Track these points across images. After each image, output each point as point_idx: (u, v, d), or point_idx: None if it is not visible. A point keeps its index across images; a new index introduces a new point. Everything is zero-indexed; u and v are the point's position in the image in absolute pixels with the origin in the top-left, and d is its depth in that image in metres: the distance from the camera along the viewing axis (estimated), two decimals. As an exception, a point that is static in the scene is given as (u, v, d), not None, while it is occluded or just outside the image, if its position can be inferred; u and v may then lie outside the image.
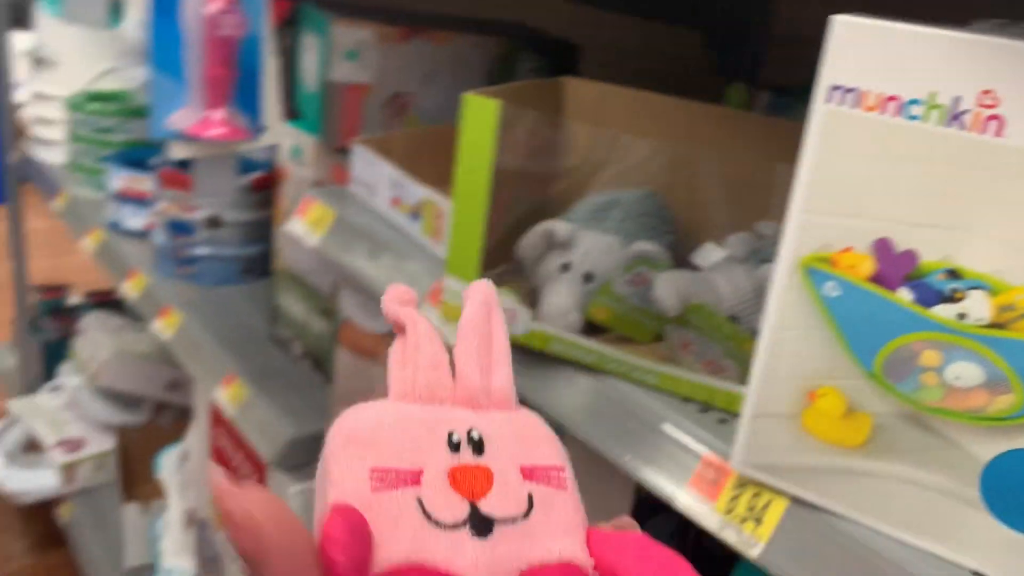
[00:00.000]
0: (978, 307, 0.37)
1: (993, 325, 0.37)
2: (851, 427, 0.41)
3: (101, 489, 1.66)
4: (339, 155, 0.92)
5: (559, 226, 0.55)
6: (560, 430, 0.48)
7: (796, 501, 0.44)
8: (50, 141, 1.52)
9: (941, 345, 0.38)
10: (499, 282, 0.56)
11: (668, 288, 0.50)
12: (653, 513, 0.64)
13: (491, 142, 0.52)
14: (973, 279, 0.37)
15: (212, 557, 1.12)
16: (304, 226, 0.77)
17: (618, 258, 0.54)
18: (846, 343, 0.40)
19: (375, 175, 0.75)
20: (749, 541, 0.44)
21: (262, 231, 1.20)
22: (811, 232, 0.40)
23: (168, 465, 1.34)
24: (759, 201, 0.52)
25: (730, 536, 0.45)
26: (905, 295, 0.39)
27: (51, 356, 1.88)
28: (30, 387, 1.85)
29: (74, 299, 2.06)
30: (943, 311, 0.38)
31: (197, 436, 1.21)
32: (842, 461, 0.42)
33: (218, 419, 1.03)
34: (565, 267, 0.55)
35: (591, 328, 0.55)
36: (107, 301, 2.04)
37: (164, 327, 1.09)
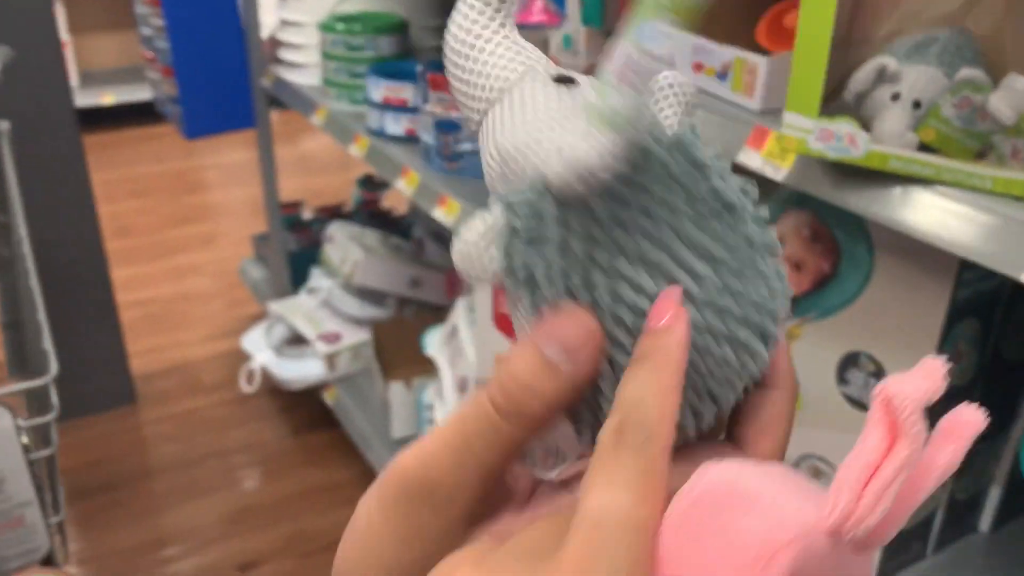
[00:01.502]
0: None
1: None
2: None
3: (358, 375, 1.88)
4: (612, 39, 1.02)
5: (889, 60, 0.63)
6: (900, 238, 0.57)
7: None
8: (301, 64, 1.70)
9: None
10: (833, 113, 0.65)
11: (1004, 100, 0.58)
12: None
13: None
14: None
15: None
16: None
17: (942, 86, 0.63)
18: None
19: (672, 46, 0.85)
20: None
21: (517, 125, 1.33)
22: None
23: (434, 343, 1.52)
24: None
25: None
26: None
27: (293, 265, 2.11)
28: (281, 293, 2.08)
29: (307, 214, 2.28)
30: None
31: (471, 312, 1.37)
32: None
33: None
34: (895, 96, 0.64)
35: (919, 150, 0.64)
36: (338, 214, 2.26)
37: (446, 213, 1.24)
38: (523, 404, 0.26)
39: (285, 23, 1.71)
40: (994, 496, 0.85)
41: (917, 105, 0.63)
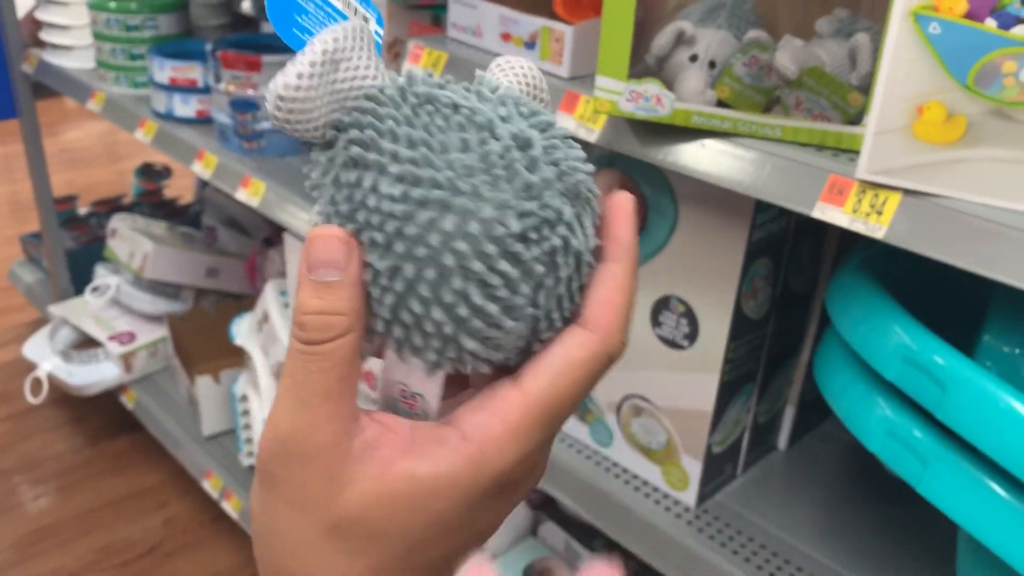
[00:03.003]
0: (1044, 23, 0.53)
1: (1057, 33, 0.53)
2: (951, 128, 0.58)
3: (159, 374, 1.79)
4: (415, 12, 1.04)
5: (686, 24, 0.69)
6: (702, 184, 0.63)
7: (908, 193, 0.61)
8: (69, 46, 1.58)
9: (1017, 56, 0.55)
10: (641, 75, 0.70)
11: (788, 57, 0.66)
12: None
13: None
14: (1042, 2, 0.53)
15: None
16: (419, 70, 0.90)
17: (733, 47, 0.70)
18: (945, 67, 0.57)
19: (479, 17, 0.88)
20: (874, 228, 0.61)
21: (316, 102, 1.31)
22: (920, -13, 0.56)
23: (243, 331, 1.48)
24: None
25: (859, 227, 0.62)
26: (990, 23, 0.55)
27: (72, 264, 1.97)
28: (61, 295, 1.94)
29: (83, 209, 2.13)
30: (1018, 30, 0.54)
31: (282, 296, 1.35)
32: (944, 155, 0.58)
33: (320, 266, 1.16)
34: (693, 58, 0.70)
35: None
36: (117, 207, 2.12)
37: (250, 195, 1.21)
38: (321, 326, 0.29)
39: (46, 1, 1.58)
40: (788, 416, 0.95)
41: (712, 65, 0.70)
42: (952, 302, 0.74)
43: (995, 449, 0.58)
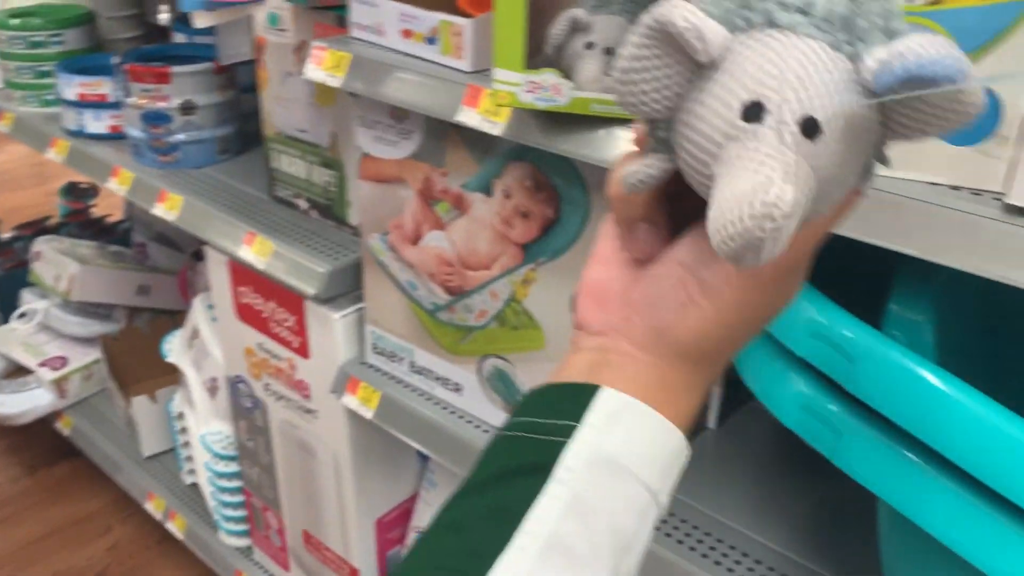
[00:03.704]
0: (920, -7, 0.54)
1: (933, 2, 0.54)
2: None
3: (94, 397, 1.75)
4: (320, 13, 1.02)
5: (580, 12, 0.69)
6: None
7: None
8: (-28, 67, 1.53)
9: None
10: (538, 66, 0.70)
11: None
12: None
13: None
14: (915, -28, 0.54)
15: (250, 406, 1.25)
16: (323, 72, 0.88)
17: (627, 32, 0.69)
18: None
19: (379, 16, 0.86)
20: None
21: (231, 111, 1.29)
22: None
23: (175, 348, 1.45)
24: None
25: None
26: (869, -4, 0.55)
27: (-1, 291, 1.92)
28: (-12, 323, 1.88)
29: (6, 234, 2.07)
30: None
31: (209, 309, 1.32)
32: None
33: (243, 277, 1.14)
34: (589, 45, 0.70)
35: (614, 92, 0.70)
36: (43, 229, 2.07)
37: (167, 209, 1.18)
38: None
39: (-54, 23, 1.53)
40: (716, 395, 0.96)
41: (608, 52, 0.70)
42: (862, 273, 0.75)
43: (904, 418, 0.59)
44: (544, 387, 0.47)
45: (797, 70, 0.34)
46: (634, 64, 0.36)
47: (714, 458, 0.93)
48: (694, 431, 0.95)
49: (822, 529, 0.84)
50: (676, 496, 0.87)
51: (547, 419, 0.44)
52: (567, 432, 0.42)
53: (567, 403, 0.44)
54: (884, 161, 0.39)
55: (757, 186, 0.32)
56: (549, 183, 0.85)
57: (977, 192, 0.55)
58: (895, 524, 0.67)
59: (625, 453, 0.42)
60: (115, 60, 1.25)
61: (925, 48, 0.31)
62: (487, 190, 0.87)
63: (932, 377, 0.57)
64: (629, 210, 0.44)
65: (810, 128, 0.33)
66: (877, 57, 0.33)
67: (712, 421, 0.97)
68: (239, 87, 1.30)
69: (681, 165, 0.38)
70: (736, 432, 0.96)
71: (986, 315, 0.79)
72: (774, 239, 0.32)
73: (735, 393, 0.98)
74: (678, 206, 0.44)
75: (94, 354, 1.73)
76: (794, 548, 0.82)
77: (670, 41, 0.34)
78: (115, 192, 1.26)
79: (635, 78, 0.36)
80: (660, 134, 0.39)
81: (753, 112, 0.34)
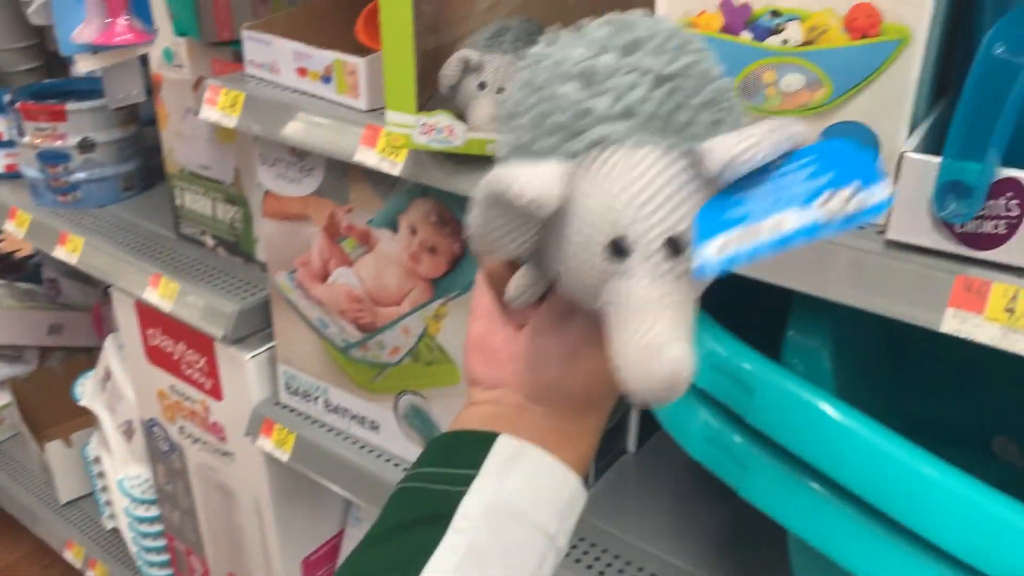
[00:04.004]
0: (794, 33, 0.54)
1: (806, 43, 0.54)
2: (725, 140, 0.58)
3: (6, 443, 1.68)
4: (217, 49, 1.00)
5: (471, 53, 0.68)
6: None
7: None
8: None
9: (775, 66, 0.56)
10: (431, 108, 0.69)
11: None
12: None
13: (404, -8, 0.65)
14: (789, 13, 0.54)
15: (168, 449, 1.21)
16: (218, 111, 0.86)
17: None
18: (712, 81, 0.57)
19: (274, 54, 0.85)
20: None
21: (133, 147, 1.25)
22: (676, 4, 0.56)
23: (88, 391, 1.40)
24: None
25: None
26: (746, 36, 0.56)
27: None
28: None
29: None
30: (772, 41, 0.55)
31: (121, 349, 1.28)
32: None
33: (151, 319, 1.11)
34: (482, 86, 0.69)
35: (509, 130, 0.70)
36: (-54, 269, 1.98)
37: (69, 252, 1.15)
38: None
39: None
40: (634, 420, 0.96)
41: (501, 90, 0.69)
42: (763, 303, 0.76)
43: (802, 448, 0.60)
44: (443, 436, 0.47)
45: (644, 193, 0.34)
46: (484, 228, 0.36)
47: (635, 481, 0.93)
48: (614, 456, 0.96)
49: (737, 547, 0.85)
50: (592, 522, 0.87)
51: (446, 468, 0.44)
52: (466, 481, 0.42)
53: (465, 451, 0.45)
54: None
55: (653, 350, 0.34)
56: (454, 218, 0.84)
57: (861, 226, 0.56)
58: (803, 550, 0.68)
59: (522, 498, 0.43)
60: (7, 98, 1.21)
61: (760, 144, 0.32)
62: (393, 226, 0.86)
63: (827, 407, 0.58)
64: (502, 284, 0.45)
65: (675, 246, 0.34)
66: (716, 157, 0.33)
67: (631, 444, 0.97)
68: (141, 121, 1.26)
69: (560, 290, 0.40)
70: (655, 454, 0.97)
71: (886, 333, 0.81)
72: (685, 383, 0.35)
73: (653, 416, 0.99)
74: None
75: (4, 398, 1.67)
76: (707, 567, 0.82)
77: (510, 205, 0.34)
78: (13, 234, 1.22)
79: (488, 236, 0.37)
80: (531, 260, 0.40)
81: (617, 250, 0.34)
